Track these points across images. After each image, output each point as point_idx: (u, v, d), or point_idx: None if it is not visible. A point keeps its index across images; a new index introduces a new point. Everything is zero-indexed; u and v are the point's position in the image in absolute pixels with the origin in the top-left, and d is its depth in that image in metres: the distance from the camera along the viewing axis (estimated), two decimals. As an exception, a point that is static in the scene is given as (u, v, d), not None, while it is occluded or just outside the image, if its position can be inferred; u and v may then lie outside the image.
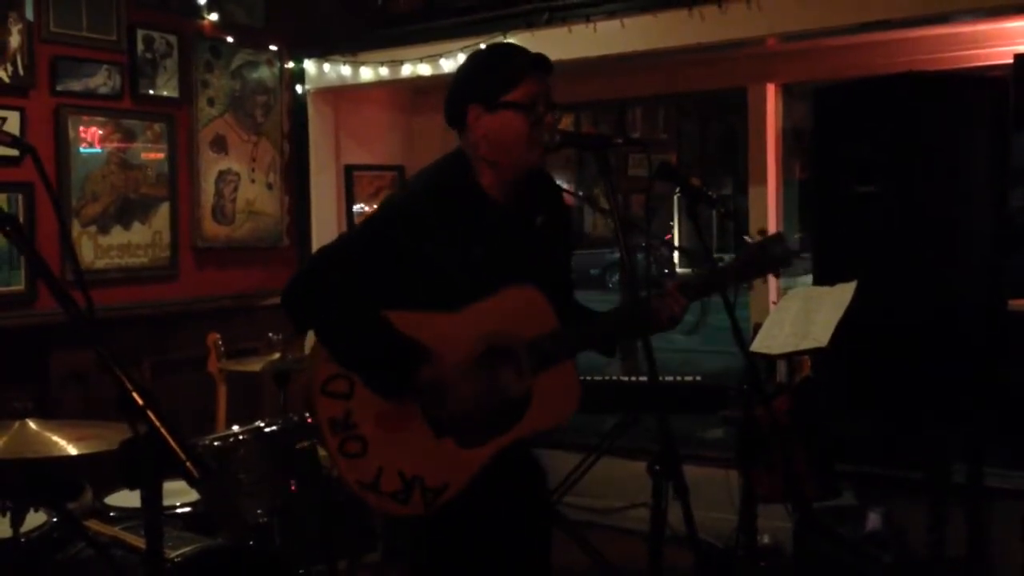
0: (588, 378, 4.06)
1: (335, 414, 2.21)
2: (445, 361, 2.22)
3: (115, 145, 4.51)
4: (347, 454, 2.20)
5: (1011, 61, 3.55)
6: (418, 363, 2.19)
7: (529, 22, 4.46)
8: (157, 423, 1.24)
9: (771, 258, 2.42)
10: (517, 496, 2.40)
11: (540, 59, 2.31)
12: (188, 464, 1.21)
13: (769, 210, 4.62)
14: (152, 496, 1.29)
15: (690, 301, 2.37)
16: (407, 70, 4.82)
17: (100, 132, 4.45)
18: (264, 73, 5.12)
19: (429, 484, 2.22)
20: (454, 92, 2.35)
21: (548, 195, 2.46)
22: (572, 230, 2.56)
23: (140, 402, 1.25)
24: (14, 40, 4.13)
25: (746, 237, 2.44)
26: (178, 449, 1.22)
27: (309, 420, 3.47)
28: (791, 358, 3.53)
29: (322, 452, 3.59)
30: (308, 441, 3.47)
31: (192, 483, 1.27)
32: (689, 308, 2.38)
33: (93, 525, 2.80)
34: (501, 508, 2.34)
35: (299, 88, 5.24)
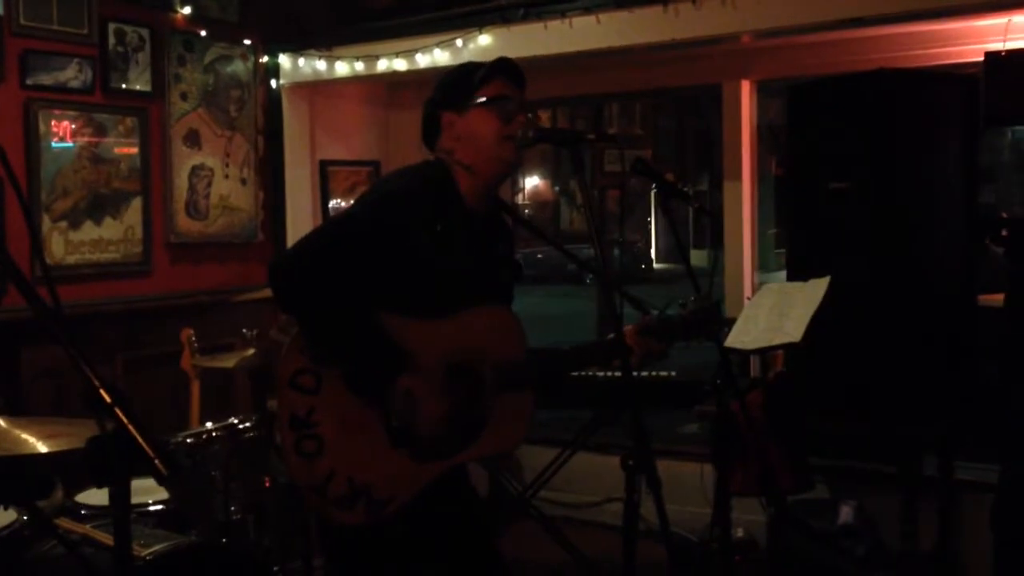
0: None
1: (297, 410, 2.18)
2: (421, 373, 2.21)
3: (86, 139, 4.46)
4: (301, 453, 2.17)
5: (982, 59, 3.59)
6: (400, 370, 2.18)
7: (505, 18, 4.46)
8: (125, 420, 1.22)
9: (711, 325, 2.44)
10: (452, 521, 2.38)
11: (507, 62, 2.34)
12: (156, 462, 1.20)
13: (744, 206, 4.65)
14: (120, 494, 1.28)
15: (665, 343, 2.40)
16: (383, 65, 4.81)
17: (71, 126, 4.41)
18: (238, 67, 5.09)
19: (376, 495, 2.19)
20: (428, 107, 2.39)
21: (504, 223, 2.50)
22: (516, 261, 2.59)
23: (108, 399, 1.24)
24: (-17, 33, 4.07)
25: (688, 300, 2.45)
26: (146, 446, 1.21)
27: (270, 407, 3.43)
28: (764, 353, 3.54)
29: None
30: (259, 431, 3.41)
31: (160, 481, 1.26)
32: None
33: (63, 523, 2.77)
34: (435, 529, 2.32)
35: (274, 83, 5.21)
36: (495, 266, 2.42)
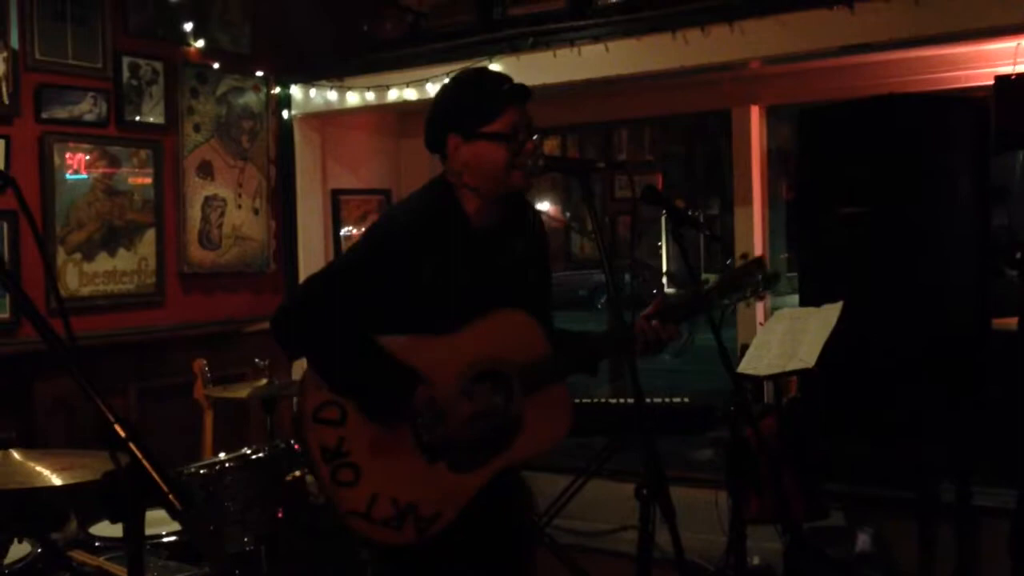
0: (576, 400, 4.05)
1: (327, 442, 2.21)
2: (438, 384, 2.22)
3: (101, 171, 4.50)
4: (340, 482, 2.20)
5: (992, 83, 3.59)
6: (413, 386, 2.19)
7: (514, 46, 4.49)
8: (140, 455, 1.23)
9: (753, 282, 2.42)
10: (504, 523, 2.39)
11: (519, 89, 2.32)
12: (171, 497, 1.20)
13: (755, 231, 4.64)
14: (134, 529, 1.28)
15: (676, 324, 2.37)
16: (393, 95, 4.84)
17: (86, 158, 4.44)
18: (250, 99, 5.13)
19: (422, 512, 2.20)
20: (433, 119, 2.36)
21: (527, 220, 2.47)
22: (548, 254, 2.56)
23: (122, 434, 1.24)
24: (-1, 68, 4.12)
25: (728, 261, 2.46)
26: (161, 482, 1.21)
27: (297, 448, 3.46)
28: (778, 379, 3.53)
29: (310, 479, 3.57)
30: (298, 470, 3.44)
31: (174, 516, 1.26)
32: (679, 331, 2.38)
33: (77, 555, 2.78)
34: (488, 536, 2.32)
35: (285, 113, 5.25)
36: (507, 276, 2.38)
